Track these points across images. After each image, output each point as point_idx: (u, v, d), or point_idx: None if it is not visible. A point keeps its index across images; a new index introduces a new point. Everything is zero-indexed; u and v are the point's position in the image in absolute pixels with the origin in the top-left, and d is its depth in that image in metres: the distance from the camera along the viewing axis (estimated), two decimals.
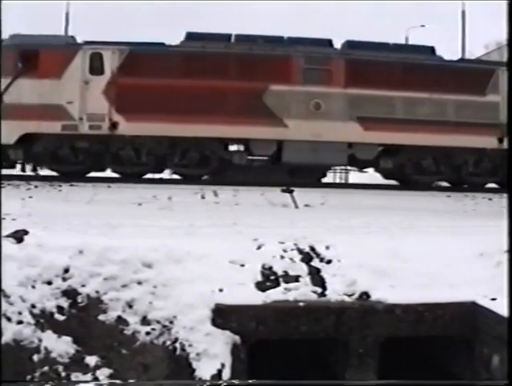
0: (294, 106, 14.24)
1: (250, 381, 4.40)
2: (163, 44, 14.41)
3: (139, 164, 14.36)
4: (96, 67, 13.92)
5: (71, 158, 14.20)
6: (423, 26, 35.88)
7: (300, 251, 7.53)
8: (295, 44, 14.57)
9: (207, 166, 14.61)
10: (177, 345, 6.22)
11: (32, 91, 13.56)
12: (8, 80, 13.51)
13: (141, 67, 13.94)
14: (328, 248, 7.60)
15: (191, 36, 14.44)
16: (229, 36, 14.71)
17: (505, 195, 11.40)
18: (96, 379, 5.86)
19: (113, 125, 13.91)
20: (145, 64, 13.90)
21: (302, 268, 7.24)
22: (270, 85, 14.12)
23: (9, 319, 5.97)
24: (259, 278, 7.02)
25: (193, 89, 13.80)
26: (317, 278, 7.16)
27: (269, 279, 7.06)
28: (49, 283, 6.44)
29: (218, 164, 14.63)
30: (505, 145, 14.33)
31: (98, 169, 14.72)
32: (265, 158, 15.07)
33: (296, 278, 7.10)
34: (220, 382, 5.96)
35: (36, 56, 13.60)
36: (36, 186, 12.70)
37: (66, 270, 6.57)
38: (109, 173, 14.84)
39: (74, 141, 13.99)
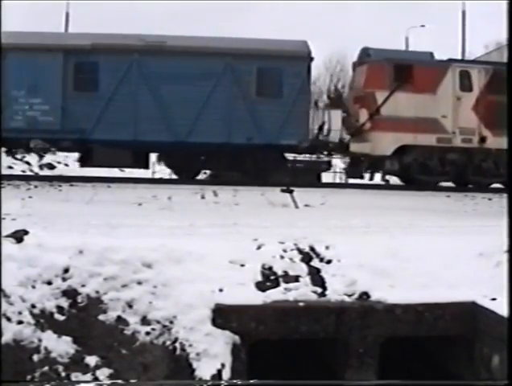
0: None
1: (250, 381, 4.40)
2: None
3: (499, 175, 15.13)
4: (465, 84, 15.05)
5: (438, 169, 15.11)
6: (423, 26, 35.92)
7: (300, 251, 7.53)
8: None
9: None
10: (177, 345, 6.22)
11: (408, 104, 14.54)
12: (383, 92, 14.58)
13: (503, 84, 14.33)
14: (327, 248, 7.60)
15: None
16: None
17: (505, 195, 11.40)
18: (96, 379, 5.86)
19: (482, 139, 15.08)
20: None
21: (302, 268, 7.25)
22: None
23: (9, 319, 5.97)
24: (259, 278, 7.03)
25: None
26: (317, 278, 7.16)
27: (269, 279, 7.06)
28: (49, 283, 6.44)
29: None
30: None
31: (459, 180, 15.42)
32: None
33: (296, 278, 7.10)
34: (220, 382, 5.96)
35: (410, 71, 14.69)
36: (36, 187, 12.69)
37: (66, 270, 6.57)
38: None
39: (444, 153, 15.02)
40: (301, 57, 14.77)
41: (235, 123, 14.51)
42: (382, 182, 16.79)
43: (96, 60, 14.21)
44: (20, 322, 6.01)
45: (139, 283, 6.62)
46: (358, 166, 15.68)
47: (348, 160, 16.46)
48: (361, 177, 15.87)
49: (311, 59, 14.94)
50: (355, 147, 15.30)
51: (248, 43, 14.91)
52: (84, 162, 15.09)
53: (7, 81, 13.71)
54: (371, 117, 14.71)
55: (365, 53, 15.60)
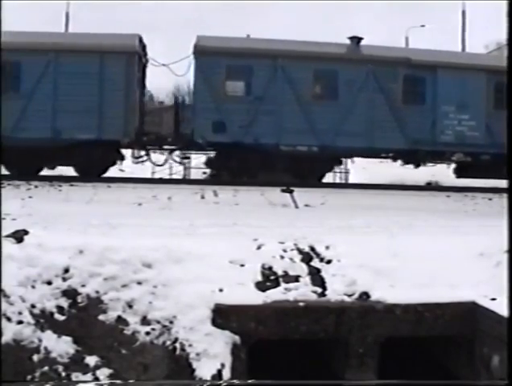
0: None
1: (250, 381, 4.39)
2: None
3: None
4: None
5: None
6: (423, 26, 35.91)
7: (300, 251, 7.53)
8: None
9: None
10: (177, 345, 6.22)
11: None
12: None
13: None
14: (327, 248, 7.60)
15: None
16: None
17: (505, 195, 11.40)
18: (96, 379, 5.86)
19: None
20: None
21: (302, 268, 7.24)
22: None
23: (9, 319, 5.97)
24: (259, 278, 7.02)
25: None
26: (317, 278, 7.15)
27: (269, 279, 7.05)
28: (49, 283, 6.44)
29: None
30: None
31: None
32: None
33: (296, 278, 7.10)
34: (220, 382, 5.96)
35: None
36: (36, 187, 12.69)
37: (66, 270, 6.57)
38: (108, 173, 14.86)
39: None
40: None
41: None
42: (382, 183, 16.78)
43: None
44: (20, 322, 6.01)
45: (139, 283, 6.62)
46: None
47: None
48: None
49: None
50: None
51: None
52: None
53: (438, 97, 14.90)
54: None
55: None
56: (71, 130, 13.74)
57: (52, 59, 13.90)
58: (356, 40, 15.12)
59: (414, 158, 15.44)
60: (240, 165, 14.59)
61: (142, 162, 15.30)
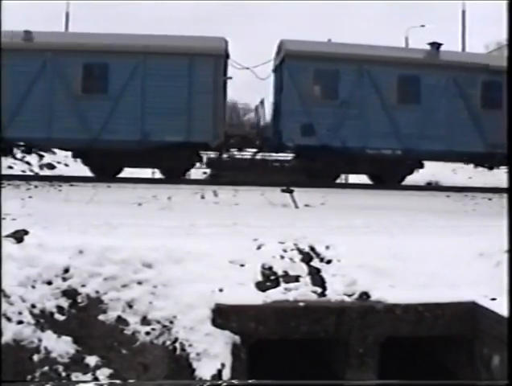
0: None
1: (250, 381, 4.40)
2: None
3: None
4: None
5: None
6: (423, 26, 35.88)
7: (300, 251, 7.53)
8: None
9: None
10: (177, 345, 6.22)
11: None
12: None
13: None
14: (327, 248, 7.60)
15: None
16: None
17: (505, 195, 11.40)
18: (96, 379, 5.86)
19: None
20: None
21: (302, 268, 7.24)
22: None
23: (9, 319, 5.97)
24: (259, 278, 7.02)
25: None
26: (317, 278, 7.15)
27: (269, 279, 7.05)
28: (49, 283, 6.44)
29: None
30: None
31: None
32: None
33: (296, 278, 7.09)
34: (220, 382, 5.96)
35: None
36: (36, 187, 12.69)
37: (66, 270, 6.57)
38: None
39: None
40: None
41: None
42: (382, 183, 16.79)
43: None
44: (20, 322, 6.01)
45: (139, 283, 6.62)
46: None
47: None
48: None
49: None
50: None
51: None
52: None
53: None
54: None
55: None
56: (159, 132, 14.00)
57: (141, 61, 14.11)
58: (436, 46, 15.44)
59: (491, 161, 15.67)
60: (325, 167, 14.96)
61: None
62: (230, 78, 15.18)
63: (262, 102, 16.75)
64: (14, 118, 13.67)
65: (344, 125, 14.69)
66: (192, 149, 14.59)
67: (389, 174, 15.42)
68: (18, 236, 6.92)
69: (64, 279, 6.51)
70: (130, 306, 6.44)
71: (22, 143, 14.96)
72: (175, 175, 14.62)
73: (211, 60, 14.36)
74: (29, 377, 5.75)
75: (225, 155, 15.60)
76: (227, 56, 14.96)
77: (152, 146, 14.08)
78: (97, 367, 5.98)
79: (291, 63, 14.76)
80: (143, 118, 14.11)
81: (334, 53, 14.94)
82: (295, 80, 14.69)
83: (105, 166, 14.51)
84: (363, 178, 16.91)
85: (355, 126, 14.68)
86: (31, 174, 18.98)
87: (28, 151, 16.08)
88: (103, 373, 5.94)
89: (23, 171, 19.53)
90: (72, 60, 13.88)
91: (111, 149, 14.02)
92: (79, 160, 15.34)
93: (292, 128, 14.62)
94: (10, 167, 18.40)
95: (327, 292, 6.97)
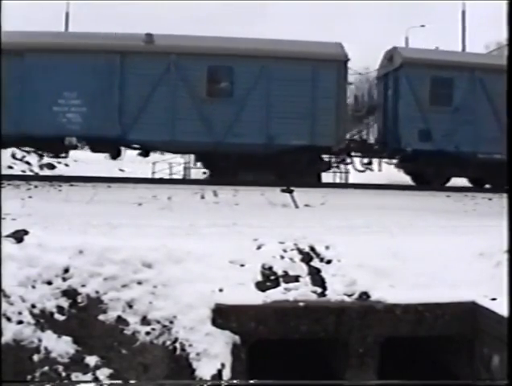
0: None
1: (250, 381, 4.40)
2: None
3: None
4: None
5: None
6: (423, 26, 35.94)
7: (300, 251, 7.53)
8: None
9: None
10: (177, 345, 6.22)
11: None
12: None
13: None
14: (327, 248, 7.60)
15: None
16: None
17: (505, 195, 11.39)
18: (96, 379, 5.86)
19: None
20: None
21: (302, 268, 7.24)
22: None
23: (9, 319, 5.97)
24: (259, 278, 7.02)
25: None
26: (317, 278, 7.15)
27: (269, 279, 7.06)
28: (49, 283, 6.44)
29: None
30: None
31: None
32: None
33: (296, 278, 7.10)
34: (220, 382, 5.96)
35: None
36: (36, 187, 12.68)
37: (66, 270, 6.57)
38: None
39: None
40: None
41: None
42: (382, 183, 16.80)
43: None
44: (20, 322, 6.01)
45: (139, 283, 6.62)
46: None
47: None
48: None
49: None
50: None
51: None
52: None
53: None
54: None
55: None
56: (285, 136, 14.20)
57: (265, 65, 14.31)
58: None
59: None
60: (437, 171, 15.28)
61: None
62: (351, 84, 15.43)
63: (371, 109, 17.09)
64: (136, 121, 13.86)
65: (457, 131, 15.06)
66: (314, 152, 14.81)
67: (495, 178, 15.42)
68: (18, 236, 6.92)
69: (64, 279, 6.51)
70: (130, 306, 6.44)
71: (137, 146, 15.04)
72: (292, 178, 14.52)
73: (334, 66, 14.64)
74: (29, 377, 5.75)
75: (348, 160, 15.88)
76: (347, 61, 15.19)
77: (277, 150, 14.32)
78: (97, 367, 5.98)
79: (409, 71, 15.13)
80: (268, 122, 14.31)
81: (449, 61, 15.39)
82: (413, 87, 15.09)
83: (227, 169, 14.65)
84: (363, 178, 16.90)
85: (468, 132, 15.04)
86: (31, 174, 19.00)
87: (145, 154, 16.00)
88: (103, 373, 5.94)
89: (23, 171, 19.56)
90: (196, 63, 14.09)
91: (235, 152, 14.20)
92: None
93: (410, 133, 15.05)
94: (10, 167, 18.42)
95: (327, 292, 6.97)
